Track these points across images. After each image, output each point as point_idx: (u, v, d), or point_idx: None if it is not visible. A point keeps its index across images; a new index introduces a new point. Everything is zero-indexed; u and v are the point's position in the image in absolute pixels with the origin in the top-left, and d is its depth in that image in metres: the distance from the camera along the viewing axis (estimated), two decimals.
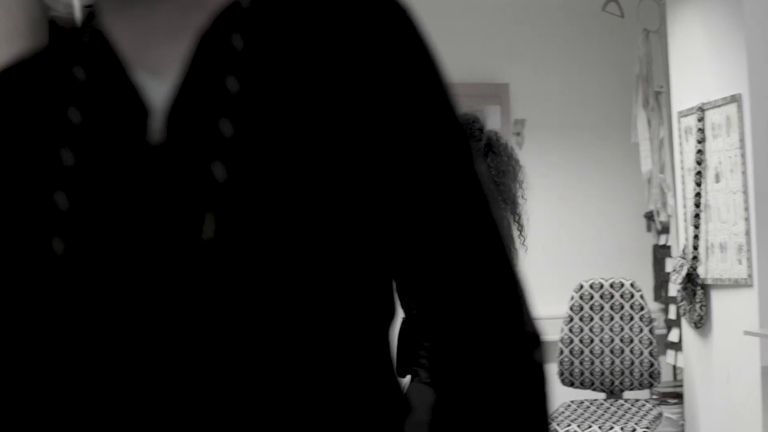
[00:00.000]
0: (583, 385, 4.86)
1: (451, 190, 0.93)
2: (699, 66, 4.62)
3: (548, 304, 5.61)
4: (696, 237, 4.61)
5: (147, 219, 0.86)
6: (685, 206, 4.75)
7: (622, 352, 4.83)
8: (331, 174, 0.87)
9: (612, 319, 4.89)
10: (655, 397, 5.21)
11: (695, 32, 4.66)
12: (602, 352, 4.85)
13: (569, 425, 4.41)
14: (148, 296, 0.86)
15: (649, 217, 5.53)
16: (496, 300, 0.96)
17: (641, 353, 4.81)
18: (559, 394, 5.10)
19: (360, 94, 0.89)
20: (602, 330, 4.88)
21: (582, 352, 4.86)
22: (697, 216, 4.61)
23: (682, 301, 4.73)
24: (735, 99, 4.30)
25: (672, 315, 5.22)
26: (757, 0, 4.25)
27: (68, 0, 3.30)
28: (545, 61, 5.74)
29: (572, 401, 4.79)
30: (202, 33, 0.89)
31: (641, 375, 4.80)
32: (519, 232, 3.52)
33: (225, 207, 0.84)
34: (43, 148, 0.91)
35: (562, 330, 4.90)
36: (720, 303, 4.54)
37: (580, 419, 4.49)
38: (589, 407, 4.70)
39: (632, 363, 4.81)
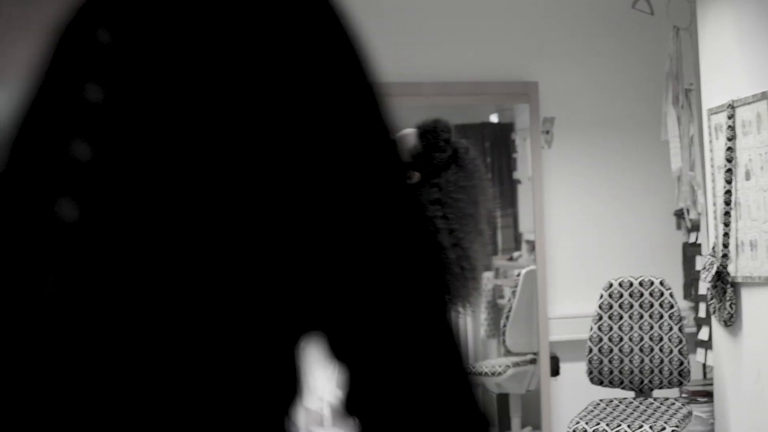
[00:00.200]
0: (612, 384, 4.84)
1: (359, 218, 0.76)
2: (729, 63, 4.60)
3: (577, 302, 5.60)
4: (726, 235, 4.59)
5: None
6: (715, 204, 4.72)
7: (652, 350, 4.82)
8: (215, 198, 0.69)
9: (641, 317, 4.87)
10: (684, 395, 5.19)
11: (725, 29, 4.63)
12: (631, 351, 4.84)
13: (598, 424, 4.40)
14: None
15: (679, 215, 5.51)
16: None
17: (671, 352, 4.79)
18: (588, 393, 5.08)
19: (257, 97, 0.72)
20: (631, 328, 4.87)
21: (611, 351, 4.85)
22: (727, 214, 4.59)
23: (711, 299, 4.71)
24: (765, 96, 4.28)
25: (702, 313, 5.19)
26: None
27: None
28: (574, 59, 5.73)
29: (601, 400, 4.78)
30: (58, 27, 0.69)
31: (671, 373, 4.78)
32: (479, 251, 3.46)
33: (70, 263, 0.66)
34: None
35: (591, 329, 4.89)
36: (750, 301, 4.51)
37: (609, 418, 4.48)
38: (618, 406, 4.68)
39: (662, 361, 4.79)
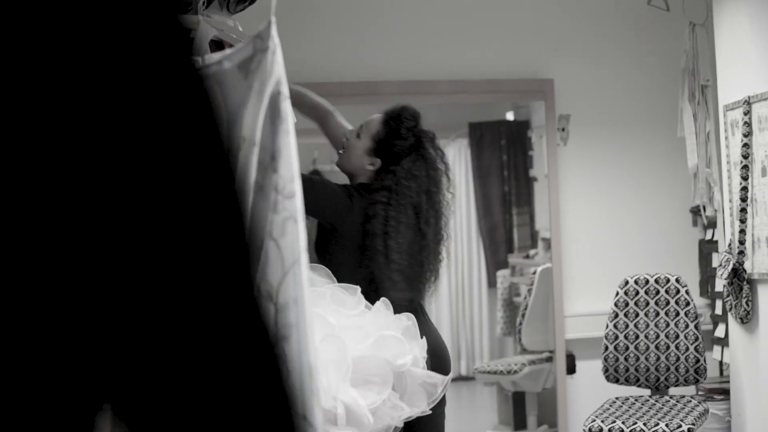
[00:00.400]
0: (628, 382, 4.83)
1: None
2: (745, 59, 4.58)
3: (593, 300, 5.59)
4: (742, 231, 4.57)
5: None
6: (731, 201, 4.71)
7: (668, 348, 4.80)
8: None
9: (657, 314, 4.86)
10: (701, 393, 5.17)
11: (742, 25, 4.62)
12: (647, 348, 4.82)
13: (614, 422, 4.39)
14: None
15: (696, 211, 5.49)
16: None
17: (687, 349, 4.78)
18: (604, 391, 5.07)
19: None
20: (647, 326, 4.85)
21: (627, 348, 4.84)
22: (743, 210, 4.57)
23: (728, 296, 4.69)
24: None
25: (719, 310, 5.18)
26: None
27: None
28: (590, 56, 5.72)
29: (617, 398, 4.77)
30: None
31: (687, 371, 4.76)
32: (436, 243, 3.43)
33: None
34: None
35: (607, 326, 4.88)
36: (766, 298, 4.49)
37: (624, 416, 4.47)
38: (634, 404, 4.67)
39: (678, 359, 4.78)
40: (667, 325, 4.83)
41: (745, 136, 4.53)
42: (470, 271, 6.91)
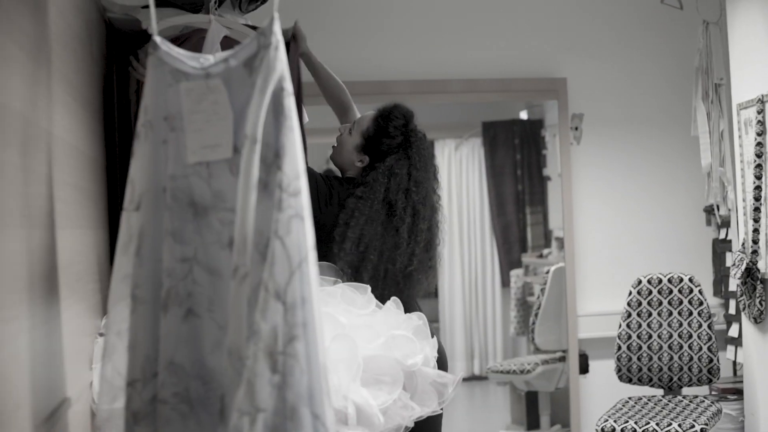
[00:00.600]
0: (641, 382, 4.82)
1: None
2: (759, 58, 4.56)
3: (607, 299, 5.58)
4: (756, 231, 4.55)
5: None
6: (744, 200, 4.69)
7: (681, 347, 4.79)
8: None
9: (670, 314, 4.84)
10: (714, 393, 5.16)
11: (755, 23, 4.60)
12: (660, 348, 4.81)
13: (626, 421, 4.38)
14: None
15: (709, 211, 5.47)
16: None
17: (700, 349, 4.76)
18: (617, 391, 5.06)
19: None
20: (660, 326, 4.84)
21: (640, 348, 4.83)
22: (757, 209, 4.55)
23: (741, 295, 4.67)
24: None
25: (732, 310, 5.16)
26: None
27: (125, 1, 3.35)
28: (603, 55, 5.70)
29: (630, 397, 4.76)
30: None
31: (700, 371, 4.75)
32: (413, 243, 3.39)
33: None
34: None
35: (620, 326, 4.87)
36: None
37: (637, 416, 4.46)
38: (647, 404, 4.66)
39: (691, 359, 4.76)
40: (681, 324, 4.82)
41: (758, 134, 4.51)
42: (483, 270, 6.90)
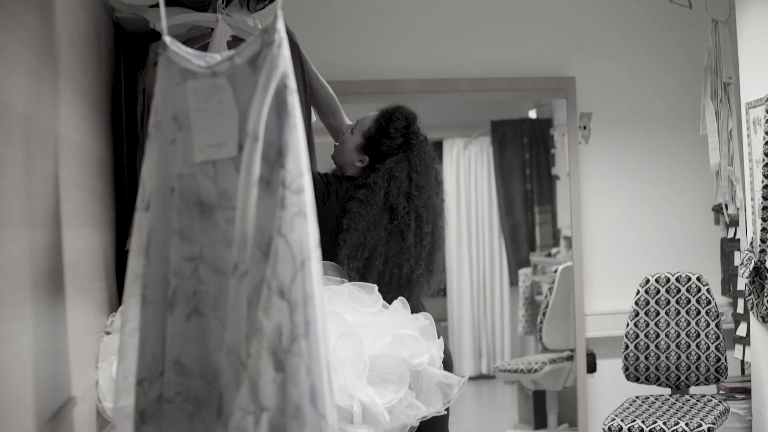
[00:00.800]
0: (648, 381, 4.81)
1: None
2: None
3: (614, 298, 5.57)
4: (764, 230, 4.54)
5: None
6: (753, 199, 4.68)
7: (689, 347, 4.78)
8: None
9: (678, 313, 4.83)
10: (722, 392, 5.15)
11: (764, 23, 4.58)
12: (668, 347, 4.80)
13: (634, 421, 4.38)
14: None
15: (718, 209, 5.46)
16: None
17: (708, 348, 4.75)
18: (625, 390, 5.06)
19: None
20: (668, 325, 4.83)
21: (647, 347, 4.82)
22: (765, 208, 4.54)
23: (749, 294, 4.66)
24: None
25: (740, 309, 5.15)
26: None
27: (133, 1, 3.36)
28: (611, 54, 5.70)
29: (637, 397, 4.75)
30: None
31: (707, 370, 4.74)
32: (419, 247, 3.36)
33: None
34: None
35: (628, 325, 4.86)
36: None
37: (644, 415, 4.45)
38: (654, 403, 4.65)
39: (698, 358, 4.75)
40: (688, 323, 4.81)
41: (767, 133, 4.50)
42: (492, 269, 6.90)
